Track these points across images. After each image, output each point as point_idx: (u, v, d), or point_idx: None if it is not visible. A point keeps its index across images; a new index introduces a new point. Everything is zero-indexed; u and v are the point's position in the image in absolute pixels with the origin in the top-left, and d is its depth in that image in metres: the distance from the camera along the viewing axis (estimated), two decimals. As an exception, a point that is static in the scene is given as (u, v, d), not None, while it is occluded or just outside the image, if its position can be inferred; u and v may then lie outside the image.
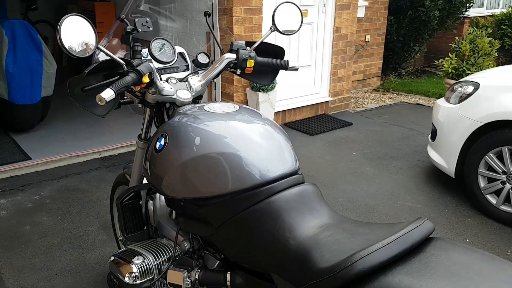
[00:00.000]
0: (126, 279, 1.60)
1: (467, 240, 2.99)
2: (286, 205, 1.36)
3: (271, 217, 1.34)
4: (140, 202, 1.80)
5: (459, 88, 3.56)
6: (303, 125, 5.27)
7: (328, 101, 5.67)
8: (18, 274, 2.59)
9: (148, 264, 1.62)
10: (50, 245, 2.88)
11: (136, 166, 1.99)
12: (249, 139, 1.48)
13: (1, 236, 2.97)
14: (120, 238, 2.23)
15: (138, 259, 1.63)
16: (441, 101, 3.71)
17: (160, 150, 1.54)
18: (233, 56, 1.79)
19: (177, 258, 1.65)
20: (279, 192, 1.40)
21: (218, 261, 1.61)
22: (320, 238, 1.24)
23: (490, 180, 3.27)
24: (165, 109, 1.87)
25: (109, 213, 3.25)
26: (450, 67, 5.66)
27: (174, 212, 1.86)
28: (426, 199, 3.54)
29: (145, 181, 2.00)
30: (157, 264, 1.64)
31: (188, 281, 1.55)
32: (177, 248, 1.67)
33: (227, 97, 4.95)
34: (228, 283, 1.50)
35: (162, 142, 1.55)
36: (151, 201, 1.98)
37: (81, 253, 2.79)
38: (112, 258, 1.72)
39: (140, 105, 1.88)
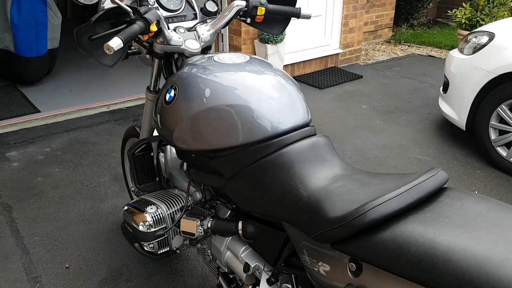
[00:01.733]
0: (140, 227, 1.63)
1: (476, 192, 3.00)
2: (297, 157, 1.36)
3: (282, 169, 1.34)
4: (151, 154, 1.81)
5: (473, 39, 3.46)
6: (312, 78, 5.19)
7: (338, 54, 5.56)
8: (33, 223, 2.65)
9: (161, 213, 1.64)
10: (63, 195, 2.93)
11: (146, 119, 1.98)
12: (260, 90, 1.46)
13: (14, 187, 3.02)
14: (132, 189, 2.26)
15: (151, 208, 1.65)
16: (454, 52, 3.62)
17: (170, 102, 1.53)
18: (243, 3, 1.73)
19: (189, 208, 1.67)
20: (290, 144, 1.39)
21: (229, 211, 1.63)
22: (332, 189, 1.24)
23: (501, 132, 3.24)
24: (173, 60, 1.84)
25: (120, 165, 3.28)
26: (464, 17, 5.49)
27: (185, 163, 1.88)
28: (435, 152, 3.53)
29: (155, 133, 2.00)
30: (170, 213, 1.67)
31: (200, 229, 1.58)
32: (189, 199, 1.69)
33: (234, 49, 4.87)
34: (240, 232, 1.52)
35: (172, 93, 1.53)
36: (162, 153, 1.99)
37: (94, 204, 2.84)
38: (126, 207, 1.75)
39: (148, 56, 1.85)
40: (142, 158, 1.80)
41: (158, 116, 1.60)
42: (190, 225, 1.58)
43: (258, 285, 1.54)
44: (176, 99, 1.51)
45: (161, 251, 1.70)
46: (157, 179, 1.83)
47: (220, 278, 1.77)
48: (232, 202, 1.59)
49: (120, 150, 2.53)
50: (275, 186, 1.34)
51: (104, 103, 4.40)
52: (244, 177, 1.42)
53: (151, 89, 1.87)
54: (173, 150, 1.91)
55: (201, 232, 1.58)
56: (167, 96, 1.55)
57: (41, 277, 2.26)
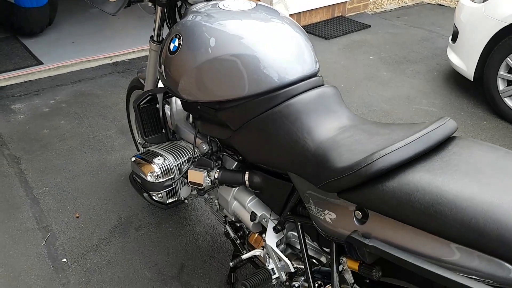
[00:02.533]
0: (149, 178, 1.65)
1: (481, 144, 3.00)
2: (305, 108, 1.34)
3: (289, 120, 1.33)
4: (157, 105, 1.80)
5: (486, -14, 3.34)
6: (318, 28, 5.08)
7: (345, 2, 5.41)
8: (41, 175, 2.69)
9: (168, 164, 1.66)
10: (70, 147, 2.95)
11: (150, 70, 1.96)
12: (266, 39, 1.43)
13: (21, 140, 3.04)
14: (139, 141, 2.27)
15: (159, 159, 1.66)
16: (465, 0, 3.51)
17: (175, 52, 1.50)
18: None
19: (196, 160, 1.68)
20: (298, 94, 1.38)
21: (236, 162, 1.64)
22: (339, 139, 1.24)
23: (510, 83, 3.19)
24: (176, 7, 1.79)
25: (125, 118, 3.28)
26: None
27: (191, 115, 1.87)
28: (442, 103, 3.50)
29: (160, 84, 1.98)
30: (178, 164, 1.68)
31: (208, 180, 1.60)
32: (196, 150, 1.70)
33: (239, -2, 4.73)
34: (246, 182, 1.53)
35: (176, 43, 1.50)
36: (167, 105, 1.98)
37: (101, 155, 2.87)
38: (134, 158, 1.76)
39: (150, 4, 1.80)
40: (147, 109, 1.79)
41: (163, 67, 1.58)
42: (197, 176, 1.60)
43: (265, 233, 1.57)
44: (180, 49, 1.48)
45: (169, 201, 1.72)
46: (163, 131, 1.83)
47: (227, 226, 1.80)
48: (239, 154, 1.60)
49: (126, 102, 2.52)
50: (282, 137, 1.33)
51: (107, 55, 4.34)
52: (251, 129, 1.42)
53: (155, 39, 1.84)
54: (179, 101, 1.90)
55: (208, 183, 1.60)
56: (171, 46, 1.53)
57: (52, 226, 2.31)
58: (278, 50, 1.41)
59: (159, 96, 1.78)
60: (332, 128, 1.31)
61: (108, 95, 3.65)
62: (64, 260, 2.13)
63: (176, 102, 1.91)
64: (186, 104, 1.66)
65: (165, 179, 1.65)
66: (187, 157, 1.70)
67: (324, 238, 1.32)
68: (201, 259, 2.12)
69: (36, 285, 1.99)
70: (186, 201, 1.79)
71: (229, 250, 2.16)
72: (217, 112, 1.51)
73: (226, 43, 1.41)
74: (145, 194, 1.72)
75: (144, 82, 2.22)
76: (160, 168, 1.64)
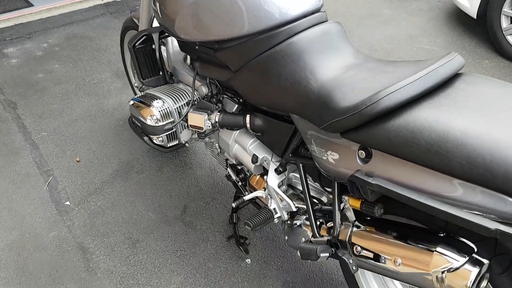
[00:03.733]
0: (148, 122, 1.63)
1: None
2: (307, 46, 1.30)
3: (291, 59, 1.30)
4: (153, 46, 1.75)
5: None
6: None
7: None
8: (39, 120, 2.66)
9: (168, 107, 1.63)
10: (66, 92, 2.91)
11: (144, 8, 1.89)
12: None
13: (16, 84, 2.99)
14: (135, 85, 2.24)
15: (158, 102, 1.64)
16: None
17: None
18: None
19: (196, 103, 1.66)
20: (300, 32, 1.33)
21: (236, 105, 1.62)
22: (344, 78, 1.21)
23: (514, 20, 3.12)
24: None
25: (121, 62, 3.21)
26: None
27: (188, 57, 1.83)
28: (444, 42, 3.43)
29: (156, 23, 1.92)
30: (177, 108, 1.66)
31: (208, 123, 1.58)
32: (195, 93, 1.67)
33: None
34: (248, 125, 1.52)
35: None
36: (163, 46, 1.93)
37: (98, 100, 2.83)
38: (132, 102, 1.73)
39: None
40: (143, 50, 1.74)
41: (157, 4, 1.52)
42: (197, 119, 1.58)
43: (266, 175, 1.58)
44: None
45: (170, 144, 1.72)
46: (160, 73, 1.79)
47: (228, 169, 1.81)
48: (239, 96, 1.58)
49: (120, 44, 2.45)
50: (284, 78, 1.30)
51: (98, -5, 4.18)
52: (252, 69, 1.39)
53: (149, -26, 1.76)
54: (175, 42, 1.84)
55: (209, 126, 1.58)
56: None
57: (53, 171, 2.32)
58: (279, -16, 1.35)
59: (155, 36, 1.73)
60: (336, 66, 1.27)
61: (101, 37, 3.55)
62: (68, 203, 2.15)
63: (173, 43, 1.85)
64: (183, 45, 1.62)
65: (165, 123, 1.63)
66: (187, 100, 1.68)
67: (326, 178, 1.33)
68: (203, 200, 2.15)
69: (40, 227, 2.03)
70: (187, 144, 1.78)
71: (230, 192, 2.18)
72: (216, 53, 1.46)
73: None
74: (145, 138, 1.71)
75: (138, 22, 2.15)
76: (159, 111, 1.62)
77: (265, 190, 1.63)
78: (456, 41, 3.43)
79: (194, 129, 1.61)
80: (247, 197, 1.65)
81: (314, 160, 1.31)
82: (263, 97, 1.39)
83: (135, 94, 2.60)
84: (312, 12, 1.38)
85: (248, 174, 1.78)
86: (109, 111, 2.73)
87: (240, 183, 1.78)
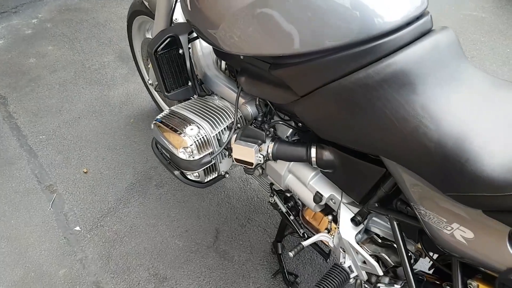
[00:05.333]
0: (181, 155, 1.26)
1: None
2: (416, 68, 0.92)
3: (393, 87, 0.91)
4: (180, 50, 1.35)
5: None
6: None
7: None
8: (35, 118, 2.28)
9: (205, 135, 1.26)
10: (63, 81, 2.50)
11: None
12: None
13: (5, 73, 2.57)
14: (150, 83, 1.84)
15: (191, 129, 1.25)
16: None
17: None
18: None
19: (239, 126, 1.29)
20: (403, 47, 0.94)
21: (290, 129, 1.26)
22: (482, 123, 0.84)
23: None
24: None
25: (124, 41, 2.78)
26: None
27: (223, 62, 1.44)
28: (492, 7, 2.99)
29: (180, 18, 1.50)
30: (216, 134, 1.28)
31: (259, 157, 1.21)
32: (238, 114, 1.29)
33: None
34: (313, 160, 1.16)
35: None
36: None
37: (101, 91, 2.43)
38: (156, 123, 1.35)
39: None
40: (167, 56, 1.34)
41: (193, 3, 1.12)
42: (246, 153, 1.21)
43: (331, 215, 1.25)
44: None
45: (208, 179, 1.36)
46: (189, 83, 1.40)
47: (275, 197, 1.47)
48: (298, 119, 1.20)
49: (127, 29, 2.03)
50: (381, 112, 0.93)
51: (91, -44, 3.66)
52: (329, 96, 1.00)
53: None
54: (204, 42, 1.44)
55: (260, 160, 1.22)
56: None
57: (57, 185, 1.97)
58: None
59: (183, 39, 1.32)
60: (462, 100, 0.90)
61: (99, 9, 3.09)
62: (77, 228, 1.82)
63: (201, 42, 1.45)
64: (221, 51, 1.22)
65: (202, 155, 1.26)
66: (228, 123, 1.30)
67: (436, 247, 0.98)
68: (237, 222, 1.82)
69: (48, 262, 1.70)
70: (227, 175, 1.42)
71: (269, 210, 1.85)
72: (273, 70, 1.08)
73: None
74: (176, 172, 1.35)
75: (149, 6, 1.73)
76: (195, 141, 1.24)
77: (329, 232, 1.30)
78: (506, 6, 2.99)
79: (240, 164, 1.24)
80: (307, 242, 1.31)
81: (423, 225, 0.96)
82: (343, 133, 1.03)
83: (149, 92, 2.21)
84: (417, 18, 0.98)
85: (300, 203, 1.44)
86: (116, 106, 2.34)
87: (291, 217, 1.45)
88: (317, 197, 1.23)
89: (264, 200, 1.88)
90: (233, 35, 1.04)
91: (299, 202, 1.46)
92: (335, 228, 1.26)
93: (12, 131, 2.21)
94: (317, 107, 1.04)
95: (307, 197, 1.28)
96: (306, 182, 1.25)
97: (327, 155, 1.14)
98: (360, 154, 1.07)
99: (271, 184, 1.48)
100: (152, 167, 2.03)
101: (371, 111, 0.94)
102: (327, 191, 1.22)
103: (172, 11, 1.49)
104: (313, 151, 1.16)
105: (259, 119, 1.24)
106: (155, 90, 1.92)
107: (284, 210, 1.47)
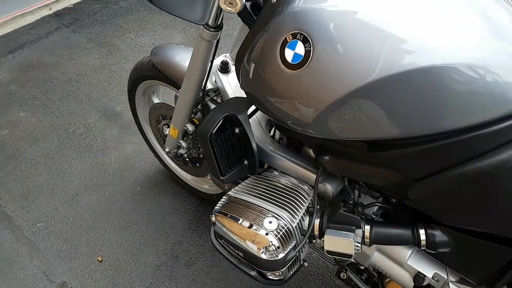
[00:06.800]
0: (263, 255, 1.08)
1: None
2: None
3: None
4: (236, 130, 1.17)
5: None
6: None
7: None
8: (25, 203, 1.99)
9: (287, 226, 1.08)
10: (48, 153, 2.22)
11: (196, 66, 1.29)
12: (484, 35, 0.83)
13: (-24, 151, 2.25)
14: (167, 151, 1.64)
15: (270, 223, 1.08)
16: None
17: (298, 65, 0.88)
18: None
19: (327, 212, 1.12)
20: None
21: (377, 206, 1.12)
22: None
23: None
24: None
25: (105, 96, 2.53)
26: None
27: (277, 131, 1.29)
28: None
29: (209, 84, 1.33)
30: (298, 223, 1.11)
31: (358, 246, 1.06)
32: (317, 197, 1.13)
33: None
34: (423, 242, 1.02)
35: (300, 49, 0.88)
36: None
37: (95, 159, 2.18)
38: (217, 215, 1.16)
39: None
40: (221, 138, 1.17)
41: (252, 65, 0.96)
42: (343, 245, 1.05)
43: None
44: (312, 62, 0.87)
45: (290, 273, 1.18)
46: (245, 162, 1.22)
47: (348, 273, 1.32)
48: (398, 194, 1.07)
49: (128, 93, 1.81)
50: None
51: (43, 2, 3.37)
52: (460, 179, 0.87)
53: (210, 23, 1.15)
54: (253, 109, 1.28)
55: (358, 250, 1.06)
56: (289, 53, 0.89)
57: (71, 282, 1.71)
58: (507, 49, 0.82)
59: (243, 118, 1.15)
60: None
61: (66, 62, 2.82)
62: (108, 331, 1.57)
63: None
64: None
65: (287, 251, 1.08)
66: (305, 206, 1.13)
67: None
68: (288, 294, 1.65)
69: None
70: (306, 263, 1.25)
71: (329, 282, 1.69)
72: (375, 152, 0.94)
73: (409, 49, 0.81)
74: (253, 273, 1.17)
75: (165, 71, 1.54)
76: (277, 236, 1.07)
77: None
78: None
79: (333, 256, 1.08)
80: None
81: None
82: (476, 217, 0.91)
83: (159, 159, 1.99)
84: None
85: (375, 273, 1.31)
86: (115, 174, 2.10)
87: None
88: (420, 278, 1.10)
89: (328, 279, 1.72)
90: (334, 121, 0.89)
91: (374, 273, 1.32)
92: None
93: (2, 222, 1.91)
94: (440, 192, 0.91)
95: (403, 277, 1.14)
96: (403, 262, 1.12)
97: (440, 236, 1.01)
98: (483, 233, 0.95)
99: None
100: (176, 243, 1.82)
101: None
102: (430, 270, 1.09)
103: (206, 77, 1.32)
104: (422, 233, 1.02)
105: (351, 202, 1.09)
106: (171, 158, 1.72)
107: (361, 286, 1.32)
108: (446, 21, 0.82)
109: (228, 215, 1.14)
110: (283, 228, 1.08)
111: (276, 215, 1.10)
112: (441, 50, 0.80)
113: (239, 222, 1.12)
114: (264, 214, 1.11)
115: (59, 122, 2.39)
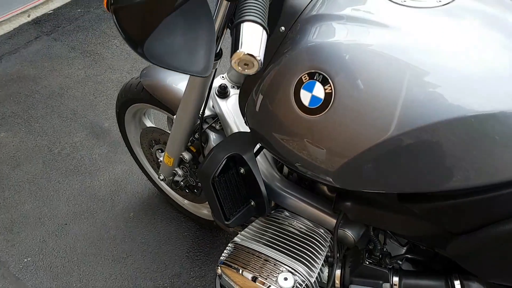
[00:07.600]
0: (280, 317, 0.96)
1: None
2: None
3: None
4: (241, 170, 1.04)
5: None
6: None
7: None
8: (10, 235, 1.84)
9: (305, 283, 0.96)
10: (32, 178, 2.07)
11: (192, 96, 1.15)
12: None
13: (-46, 178, 2.09)
14: (161, 178, 1.51)
15: (286, 279, 0.95)
16: None
17: (318, 109, 0.76)
18: None
19: (345, 261, 1.00)
20: None
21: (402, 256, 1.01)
22: None
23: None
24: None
25: (91, 112, 2.38)
26: None
27: (287, 169, 1.16)
28: None
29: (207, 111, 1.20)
30: (317, 277, 0.99)
31: (388, 300, 0.95)
32: (336, 247, 1.01)
33: None
34: (457, 293, 0.91)
35: (318, 91, 0.75)
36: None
37: (83, 182, 2.03)
38: (223, 267, 1.04)
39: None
40: (225, 179, 1.04)
41: (260, 96, 0.84)
42: (371, 301, 0.94)
43: None
44: (332, 108, 0.74)
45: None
46: (252, 202, 1.10)
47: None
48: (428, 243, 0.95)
49: (116, 115, 1.66)
50: None
51: (20, 9, 3.18)
52: (501, 236, 0.76)
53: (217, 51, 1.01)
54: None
55: (386, 304, 0.95)
56: (304, 96, 0.77)
57: (64, 324, 1.58)
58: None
59: (248, 158, 1.02)
60: None
61: (47, 74, 2.65)
62: None
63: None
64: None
65: (306, 309, 0.96)
66: (323, 256, 1.01)
67: None
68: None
69: None
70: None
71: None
72: (407, 203, 0.82)
73: (446, 96, 0.69)
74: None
75: (157, 95, 1.40)
76: (296, 295, 0.95)
77: None
78: None
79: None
80: None
81: None
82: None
83: (152, 182, 1.85)
84: None
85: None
86: (106, 199, 1.96)
87: None
88: None
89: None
90: (363, 171, 0.77)
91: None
92: None
93: (-14, 259, 1.77)
94: (483, 248, 0.80)
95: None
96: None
97: (476, 285, 0.90)
98: None
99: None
100: (175, 275, 1.69)
101: None
102: None
103: (204, 104, 1.19)
104: (457, 283, 0.91)
105: (377, 253, 0.97)
106: (166, 184, 1.59)
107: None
108: (499, 64, 0.70)
109: (238, 269, 1.02)
110: (301, 286, 0.96)
111: (292, 270, 0.97)
112: (493, 96, 0.67)
113: (250, 277, 0.99)
114: (278, 268, 0.98)
115: (43, 142, 2.23)
